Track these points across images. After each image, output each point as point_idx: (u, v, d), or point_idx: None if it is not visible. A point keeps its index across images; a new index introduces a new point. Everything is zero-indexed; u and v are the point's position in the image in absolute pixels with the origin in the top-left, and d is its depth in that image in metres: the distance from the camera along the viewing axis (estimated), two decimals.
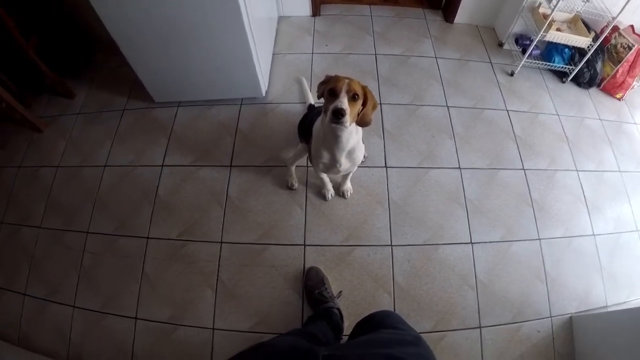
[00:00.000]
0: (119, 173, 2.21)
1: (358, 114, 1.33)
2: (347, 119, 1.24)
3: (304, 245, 1.94)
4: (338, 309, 1.67)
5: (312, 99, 2.00)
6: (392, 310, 1.80)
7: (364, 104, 1.32)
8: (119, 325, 1.79)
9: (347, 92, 1.24)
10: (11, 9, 2.12)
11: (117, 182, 2.17)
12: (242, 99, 2.46)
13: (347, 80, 1.26)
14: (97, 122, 2.44)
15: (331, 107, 1.23)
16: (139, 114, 2.45)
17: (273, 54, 2.71)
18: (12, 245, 2.05)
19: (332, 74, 1.36)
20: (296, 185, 2.09)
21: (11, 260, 2.02)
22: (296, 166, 2.06)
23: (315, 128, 1.58)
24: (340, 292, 1.81)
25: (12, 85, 2.38)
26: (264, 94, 2.41)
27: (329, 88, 1.27)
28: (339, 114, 1.22)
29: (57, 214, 2.11)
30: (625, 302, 1.99)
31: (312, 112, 1.80)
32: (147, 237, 1.98)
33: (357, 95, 1.27)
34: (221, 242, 1.95)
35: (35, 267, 1.97)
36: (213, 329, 1.75)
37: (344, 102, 1.23)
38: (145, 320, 1.79)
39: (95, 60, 2.78)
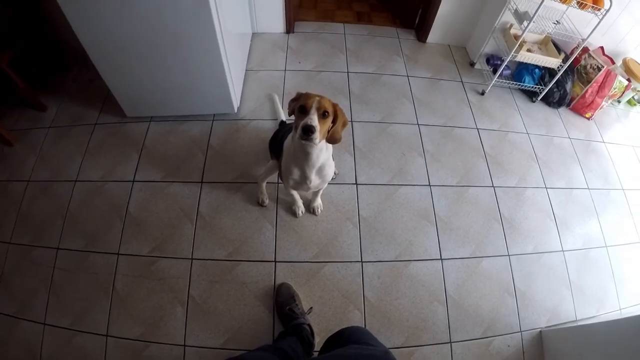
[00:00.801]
0: (90, 188, 2.17)
1: (328, 131, 1.35)
2: (317, 135, 1.25)
3: (275, 261, 1.93)
4: (309, 325, 1.67)
5: (283, 115, 2.02)
6: (363, 325, 1.80)
7: (334, 122, 1.34)
8: (90, 342, 1.75)
9: (318, 109, 1.26)
10: None
11: (87, 198, 2.14)
12: (214, 114, 2.47)
13: (317, 98, 1.27)
14: (68, 136, 2.41)
15: (301, 123, 1.24)
16: (111, 129, 2.42)
17: (246, 70, 2.73)
18: None
19: (304, 91, 1.38)
20: (267, 201, 2.10)
21: None
22: (267, 182, 2.07)
23: (286, 144, 1.60)
24: (311, 308, 1.80)
25: None
26: (235, 110, 2.43)
27: (300, 105, 1.28)
28: (308, 131, 1.23)
29: (27, 229, 2.06)
30: (594, 317, 2.02)
31: (283, 129, 1.81)
32: (118, 254, 1.95)
33: (328, 112, 1.28)
34: (192, 259, 1.93)
35: (5, 283, 1.92)
36: (184, 345, 1.73)
37: (313, 119, 1.24)
38: (116, 337, 1.76)
39: (68, 73, 2.75)
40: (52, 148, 2.36)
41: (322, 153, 1.47)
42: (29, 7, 2.47)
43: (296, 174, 1.56)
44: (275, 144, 1.79)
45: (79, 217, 2.08)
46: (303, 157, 1.46)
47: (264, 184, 2.05)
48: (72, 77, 2.74)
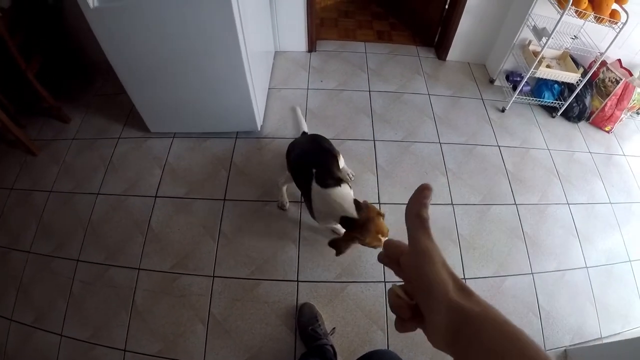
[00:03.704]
0: (112, 202, 2.19)
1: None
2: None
3: (297, 281, 1.92)
4: (332, 346, 1.65)
5: (306, 127, 2.02)
6: (386, 346, 1.78)
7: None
8: (107, 356, 1.75)
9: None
10: (14, 30, 2.13)
11: (109, 211, 2.16)
12: (237, 132, 2.48)
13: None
14: (91, 148, 2.44)
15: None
16: (134, 143, 2.45)
17: (269, 89, 2.74)
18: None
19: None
20: (287, 205, 2.11)
21: None
22: (290, 202, 2.09)
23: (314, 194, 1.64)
24: (334, 328, 1.79)
25: (11, 107, 2.38)
26: (259, 128, 2.44)
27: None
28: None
29: (48, 239, 2.08)
30: (619, 333, 1.98)
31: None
32: (139, 269, 1.96)
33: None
34: (213, 276, 1.93)
35: (23, 292, 1.94)
36: None
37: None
38: (134, 352, 1.75)
39: (93, 86, 2.80)
40: (75, 160, 2.39)
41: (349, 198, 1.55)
42: (51, 21, 2.52)
43: (329, 221, 1.65)
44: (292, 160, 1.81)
45: (100, 230, 2.10)
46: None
47: (285, 188, 2.06)
48: (95, 91, 2.78)
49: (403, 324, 0.43)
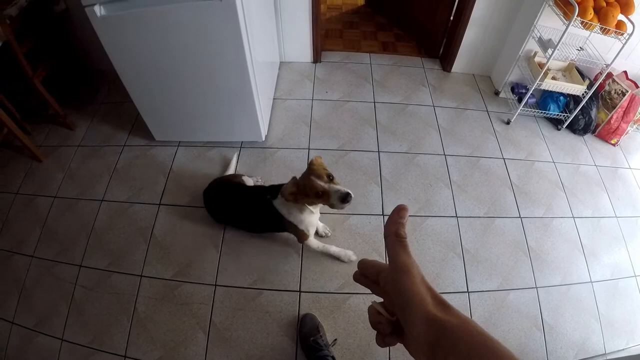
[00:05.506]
0: (116, 209, 2.20)
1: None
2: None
3: (300, 291, 1.92)
4: (333, 357, 1.65)
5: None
6: (388, 359, 1.77)
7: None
8: None
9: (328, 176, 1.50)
10: (22, 38, 2.16)
11: (113, 218, 2.17)
12: (242, 142, 2.49)
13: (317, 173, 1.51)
14: (96, 155, 2.46)
15: (338, 196, 1.44)
16: (139, 151, 2.47)
17: (274, 99, 2.76)
18: (2, 272, 2.03)
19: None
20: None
21: (1, 287, 1.99)
22: None
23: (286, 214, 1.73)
24: (335, 339, 1.77)
25: (17, 113, 2.42)
26: (263, 139, 2.45)
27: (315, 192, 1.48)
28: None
29: (51, 244, 2.09)
30: (624, 349, 1.95)
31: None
32: (141, 275, 1.96)
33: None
34: (215, 285, 1.92)
35: (25, 296, 1.94)
36: None
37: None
38: (134, 359, 1.75)
39: (99, 94, 2.83)
40: (80, 166, 2.41)
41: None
42: (58, 29, 2.56)
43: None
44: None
45: (104, 237, 2.11)
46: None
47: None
48: (101, 99, 2.81)
49: (383, 339, 0.45)
